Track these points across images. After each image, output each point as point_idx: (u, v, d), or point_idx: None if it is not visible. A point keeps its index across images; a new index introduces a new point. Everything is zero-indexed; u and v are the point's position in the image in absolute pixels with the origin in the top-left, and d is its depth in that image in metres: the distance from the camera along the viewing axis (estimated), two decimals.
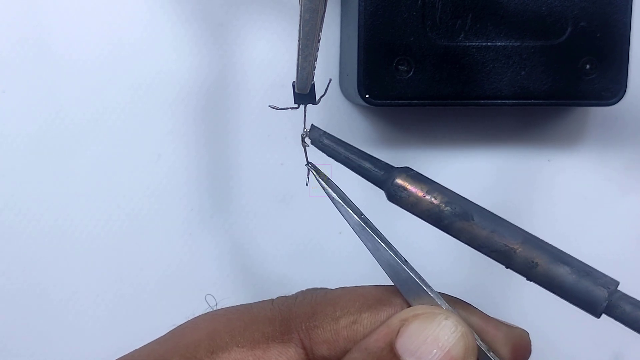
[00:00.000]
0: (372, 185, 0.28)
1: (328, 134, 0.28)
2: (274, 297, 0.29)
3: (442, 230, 0.26)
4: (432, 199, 0.26)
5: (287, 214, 0.41)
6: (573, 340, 0.43)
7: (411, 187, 0.26)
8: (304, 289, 0.30)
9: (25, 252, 0.39)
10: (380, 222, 0.41)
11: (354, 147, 0.27)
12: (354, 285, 0.29)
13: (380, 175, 0.27)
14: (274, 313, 0.27)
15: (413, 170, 0.27)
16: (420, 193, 0.26)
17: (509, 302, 0.43)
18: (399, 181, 0.26)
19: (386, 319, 0.27)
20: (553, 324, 0.43)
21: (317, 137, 0.28)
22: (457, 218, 0.26)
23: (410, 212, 0.27)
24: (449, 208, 0.26)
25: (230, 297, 0.40)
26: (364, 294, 0.28)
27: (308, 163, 0.29)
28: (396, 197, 0.26)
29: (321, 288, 0.29)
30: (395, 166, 0.27)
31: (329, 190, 0.28)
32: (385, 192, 0.27)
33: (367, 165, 0.27)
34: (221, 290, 0.41)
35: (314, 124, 0.28)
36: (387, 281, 0.28)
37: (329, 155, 0.28)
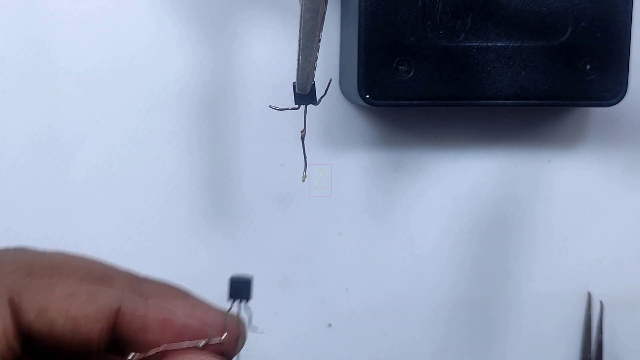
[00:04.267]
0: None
1: None
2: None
3: None
4: None
5: (287, 214, 0.41)
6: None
7: None
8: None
9: None
10: (384, 222, 0.41)
11: None
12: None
13: None
14: None
15: None
16: None
17: (509, 307, 0.43)
18: None
19: (104, 302, 0.25)
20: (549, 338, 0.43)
21: None
22: None
23: None
24: None
25: None
26: (86, 267, 0.26)
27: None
28: None
29: (34, 249, 0.27)
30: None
31: None
32: None
33: None
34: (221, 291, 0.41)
35: None
36: None
37: None
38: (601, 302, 0.42)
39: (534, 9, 0.36)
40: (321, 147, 0.40)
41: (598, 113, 0.41)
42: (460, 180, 0.41)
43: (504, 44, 0.36)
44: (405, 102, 0.36)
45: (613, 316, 0.42)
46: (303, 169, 0.29)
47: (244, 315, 0.27)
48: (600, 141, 0.41)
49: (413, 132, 0.40)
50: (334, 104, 0.40)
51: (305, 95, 0.28)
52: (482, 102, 0.37)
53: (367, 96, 0.36)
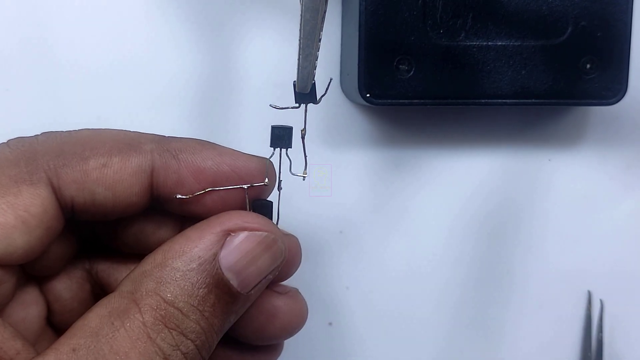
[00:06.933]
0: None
1: None
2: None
3: None
4: None
5: (287, 214, 0.41)
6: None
7: None
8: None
9: None
10: (384, 220, 0.41)
11: None
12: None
13: None
14: (16, 154, 0.25)
15: None
16: None
17: (509, 306, 0.43)
18: None
19: (136, 166, 0.26)
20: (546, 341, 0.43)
21: None
22: None
23: None
24: None
25: None
26: (113, 137, 0.27)
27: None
28: None
29: (60, 131, 0.28)
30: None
31: None
32: None
33: None
34: None
35: None
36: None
37: None
38: (601, 301, 0.42)
39: (534, 8, 0.36)
40: (321, 146, 0.40)
41: (598, 112, 0.41)
42: (461, 179, 0.41)
43: (504, 43, 0.36)
44: (405, 101, 0.36)
45: (613, 315, 0.42)
46: (303, 168, 0.29)
47: (285, 161, 0.28)
48: (600, 140, 0.41)
49: (413, 131, 0.40)
50: (334, 103, 0.40)
51: (305, 94, 0.28)
52: (483, 101, 0.37)
53: (368, 95, 0.36)
